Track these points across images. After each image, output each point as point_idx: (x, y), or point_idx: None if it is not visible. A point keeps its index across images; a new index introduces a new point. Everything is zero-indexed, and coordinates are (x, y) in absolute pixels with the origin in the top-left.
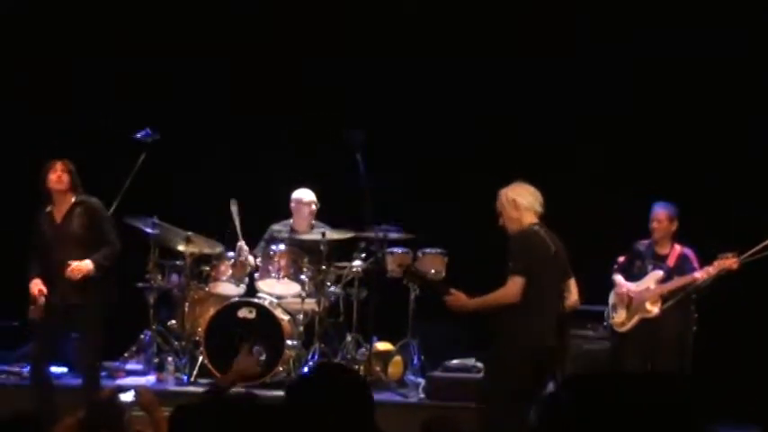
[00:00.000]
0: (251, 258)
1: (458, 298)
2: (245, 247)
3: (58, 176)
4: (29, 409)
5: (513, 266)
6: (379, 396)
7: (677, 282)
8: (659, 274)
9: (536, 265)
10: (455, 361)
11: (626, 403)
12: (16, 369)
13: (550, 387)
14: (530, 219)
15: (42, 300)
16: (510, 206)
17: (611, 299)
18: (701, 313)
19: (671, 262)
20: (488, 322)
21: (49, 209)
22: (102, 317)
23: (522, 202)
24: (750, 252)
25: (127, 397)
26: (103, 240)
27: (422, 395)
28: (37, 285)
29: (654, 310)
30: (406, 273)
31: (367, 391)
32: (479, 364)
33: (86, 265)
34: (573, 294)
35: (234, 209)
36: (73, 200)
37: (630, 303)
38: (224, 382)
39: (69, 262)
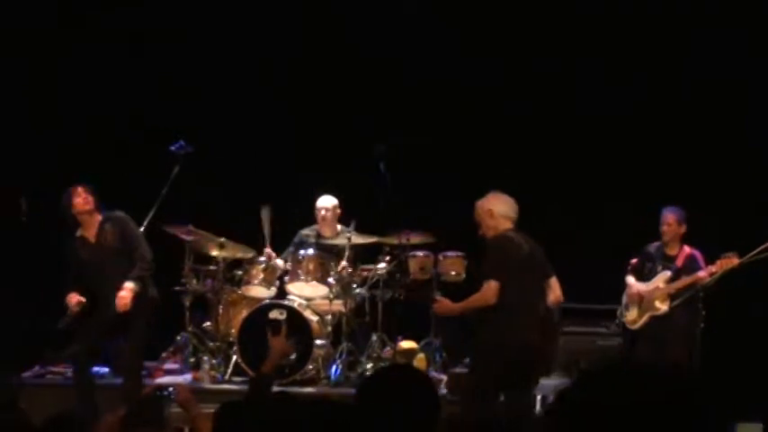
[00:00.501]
0: (279, 262)
1: (442, 303)
2: (273, 254)
3: (83, 199)
4: (72, 408)
5: (487, 271)
6: None
7: (683, 281)
8: (668, 274)
9: (509, 269)
10: None
11: (637, 397)
12: (61, 369)
13: (563, 382)
14: (505, 225)
15: (76, 310)
16: (486, 216)
17: (624, 298)
18: (708, 311)
19: (679, 262)
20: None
21: (79, 233)
22: (147, 322)
23: (496, 211)
24: (751, 254)
25: (166, 394)
26: (135, 250)
27: (444, 390)
28: (75, 296)
29: (663, 307)
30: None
31: (434, 390)
32: None
33: (129, 290)
34: (555, 291)
35: (265, 215)
36: (100, 218)
37: (641, 302)
38: (266, 368)
39: (119, 285)
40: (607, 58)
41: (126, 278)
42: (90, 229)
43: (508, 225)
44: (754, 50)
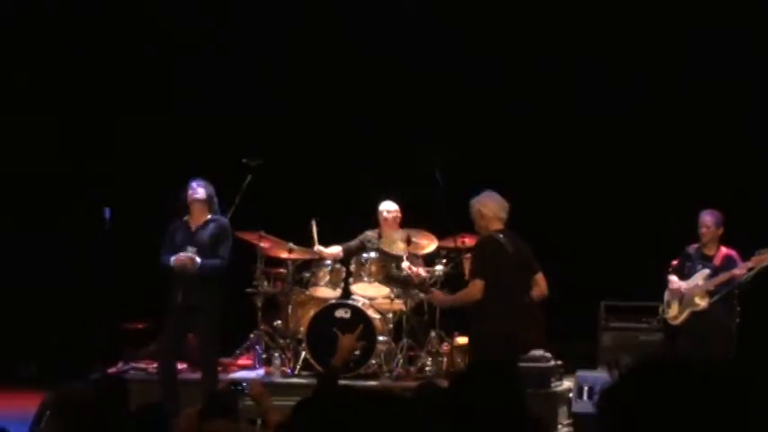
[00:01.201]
0: (330, 250)
1: (435, 295)
2: (322, 249)
3: (194, 190)
4: (155, 401)
5: (473, 270)
6: None
7: (721, 277)
8: (706, 272)
9: (493, 267)
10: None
11: (686, 392)
12: (143, 365)
13: (606, 376)
14: (495, 226)
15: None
16: (477, 216)
17: (666, 296)
18: (744, 307)
19: (717, 261)
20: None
21: (186, 218)
22: (217, 319)
23: (486, 212)
24: None
25: (240, 389)
26: (218, 254)
27: None
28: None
29: (702, 303)
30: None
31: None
32: (547, 354)
33: (195, 260)
34: (540, 287)
35: (313, 227)
36: (208, 216)
37: (682, 299)
38: (335, 362)
39: (179, 256)
40: (607, 58)
41: (201, 270)
42: (195, 220)
43: (498, 225)
44: (754, 50)
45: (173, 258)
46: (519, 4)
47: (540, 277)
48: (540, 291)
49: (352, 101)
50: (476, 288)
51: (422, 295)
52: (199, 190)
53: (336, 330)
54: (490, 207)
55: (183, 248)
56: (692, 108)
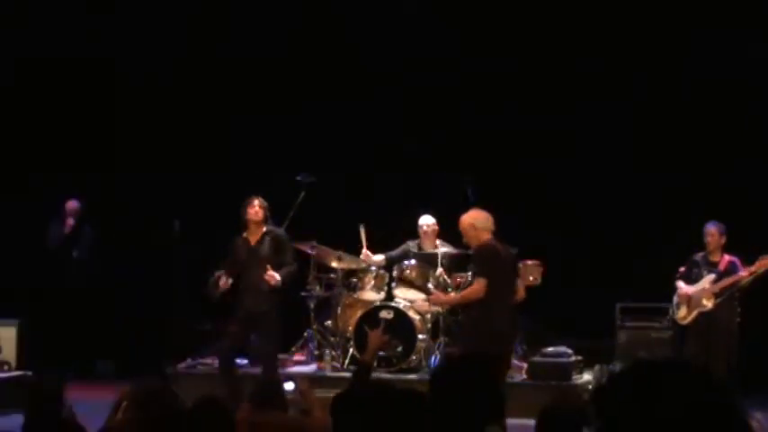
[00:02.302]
0: (376, 258)
1: (437, 296)
2: (369, 254)
3: (255, 211)
4: (218, 393)
5: (477, 271)
6: None
7: (726, 281)
8: (712, 276)
9: (493, 270)
10: (550, 348)
11: (679, 394)
12: (208, 361)
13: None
14: (485, 236)
15: (221, 287)
16: (470, 228)
17: (675, 299)
18: (744, 308)
19: (721, 267)
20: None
21: (245, 235)
22: (277, 321)
23: (478, 225)
24: None
25: (288, 385)
26: (286, 262)
27: (524, 376)
28: (225, 278)
29: (708, 304)
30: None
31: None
32: (569, 351)
33: (276, 278)
34: (519, 290)
35: (362, 230)
36: (264, 229)
37: (690, 301)
38: (366, 357)
39: (268, 273)
40: (607, 57)
41: (284, 283)
42: (254, 235)
43: (488, 236)
44: (754, 50)
45: (267, 275)
46: (519, 5)
47: (519, 282)
48: (519, 294)
49: (397, 127)
50: (480, 286)
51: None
52: (259, 212)
53: (366, 328)
54: (481, 220)
55: (247, 265)
56: (693, 108)
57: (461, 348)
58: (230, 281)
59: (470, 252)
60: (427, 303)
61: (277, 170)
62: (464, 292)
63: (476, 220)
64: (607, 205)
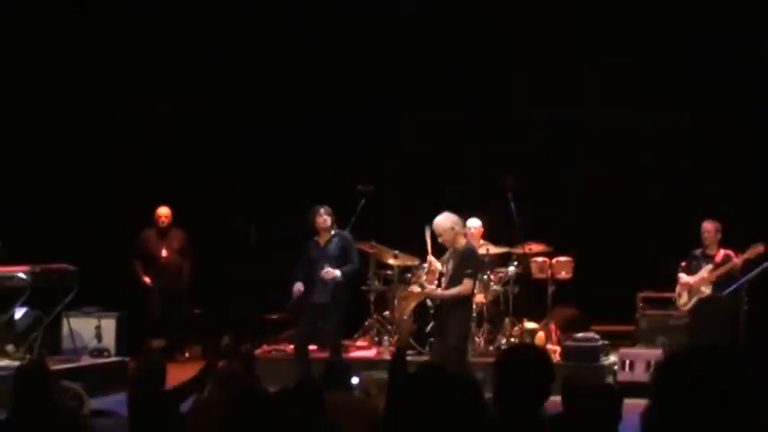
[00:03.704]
0: (438, 265)
1: (431, 292)
2: (433, 259)
3: (323, 219)
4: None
5: (467, 271)
6: None
7: (722, 269)
8: (709, 267)
9: (477, 271)
10: (580, 334)
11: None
12: (282, 347)
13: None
14: (461, 238)
15: (299, 295)
16: (448, 231)
17: (678, 289)
18: (752, 297)
19: (717, 259)
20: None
21: (316, 238)
22: (342, 311)
23: (457, 228)
24: None
25: (354, 380)
26: (351, 261)
27: (558, 358)
28: (299, 287)
29: (706, 291)
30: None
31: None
32: (596, 336)
33: (336, 272)
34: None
35: (427, 232)
36: (332, 233)
37: (690, 290)
38: (400, 343)
39: (325, 270)
40: (607, 57)
41: (344, 277)
42: (323, 238)
43: (463, 237)
44: (754, 50)
45: (323, 272)
46: (520, 5)
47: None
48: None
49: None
50: (471, 284)
51: (418, 289)
52: (327, 219)
53: (398, 318)
54: (458, 223)
55: (317, 263)
56: (692, 108)
57: (454, 334)
58: (302, 287)
59: (461, 251)
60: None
61: (340, 179)
62: (457, 289)
63: (455, 224)
64: (630, 206)
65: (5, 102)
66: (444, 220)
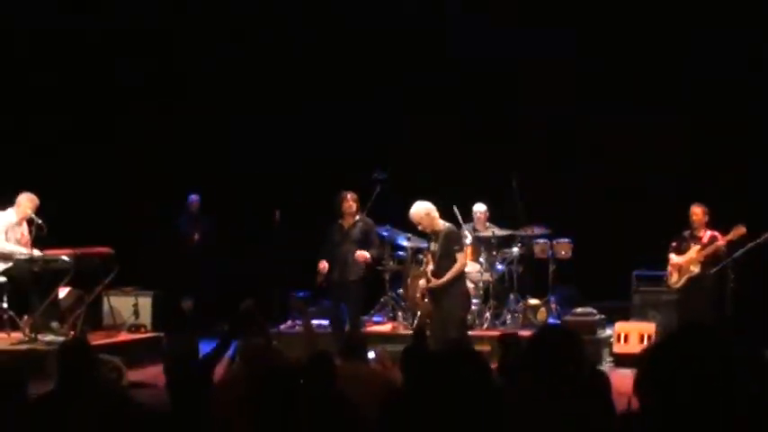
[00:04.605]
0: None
1: (435, 283)
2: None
3: (349, 204)
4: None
5: (458, 248)
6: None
7: (709, 249)
8: (697, 247)
9: (462, 244)
10: (579, 309)
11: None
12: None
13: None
14: (438, 221)
15: (324, 273)
16: (426, 217)
17: (669, 269)
18: (737, 275)
19: (704, 240)
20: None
21: (339, 222)
22: (362, 288)
23: (433, 214)
24: (765, 236)
25: (370, 354)
26: (373, 244)
27: None
28: (324, 265)
29: (696, 269)
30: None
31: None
32: (594, 311)
33: (367, 255)
34: None
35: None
36: (357, 218)
37: (680, 269)
38: (421, 320)
39: (359, 253)
40: (607, 57)
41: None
42: (347, 221)
43: (439, 220)
44: (754, 50)
45: (357, 254)
46: (520, 5)
47: None
48: None
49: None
50: (463, 259)
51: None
52: (352, 204)
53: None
54: (433, 209)
55: (341, 245)
56: (693, 108)
57: (458, 313)
58: (326, 267)
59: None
60: (479, 274)
61: (358, 168)
62: (455, 269)
63: (430, 209)
64: (629, 200)
65: (6, 102)
66: (419, 209)
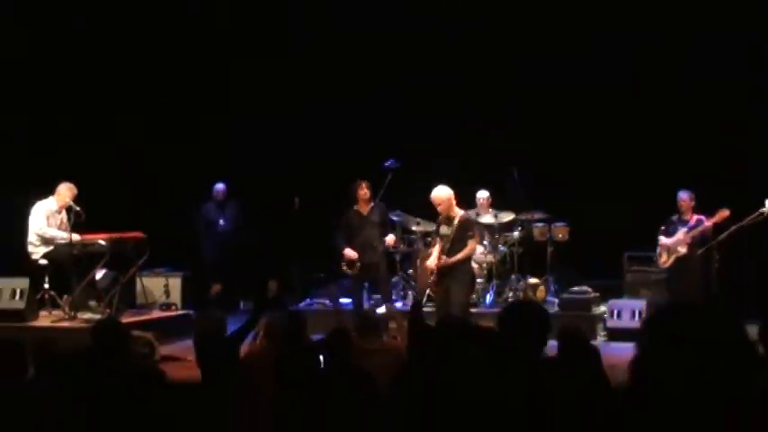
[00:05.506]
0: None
1: (445, 261)
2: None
3: (364, 192)
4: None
5: (471, 234)
6: None
7: (696, 230)
8: (684, 230)
9: (475, 231)
10: (575, 288)
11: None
12: (323, 301)
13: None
14: (455, 207)
15: (355, 258)
16: (446, 201)
17: (658, 250)
18: (722, 256)
19: (692, 223)
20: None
21: (356, 208)
22: (384, 269)
23: (452, 198)
24: (747, 220)
25: (380, 309)
26: (388, 225)
27: (556, 308)
28: (351, 252)
29: (683, 250)
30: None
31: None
32: (589, 289)
33: (395, 237)
34: None
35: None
36: (372, 204)
37: (669, 249)
38: (418, 296)
39: (388, 237)
40: (607, 57)
41: (377, 240)
42: (363, 207)
43: (456, 207)
44: (754, 50)
45: (387, 239)
46: (520, 5)
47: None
48: None
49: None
50: (476, 244)
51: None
52: (367, 192)
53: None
54: (452, 194)
55: (360, 229)
56: (693, 108)
57: (464, 286)
58: (354, 255)
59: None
60: (483, 255)
61: (373, 158)
62: (465, 251)
63: (450, 195)
64: (626, 193)
65: (6, 102)
66: (442, 191)
